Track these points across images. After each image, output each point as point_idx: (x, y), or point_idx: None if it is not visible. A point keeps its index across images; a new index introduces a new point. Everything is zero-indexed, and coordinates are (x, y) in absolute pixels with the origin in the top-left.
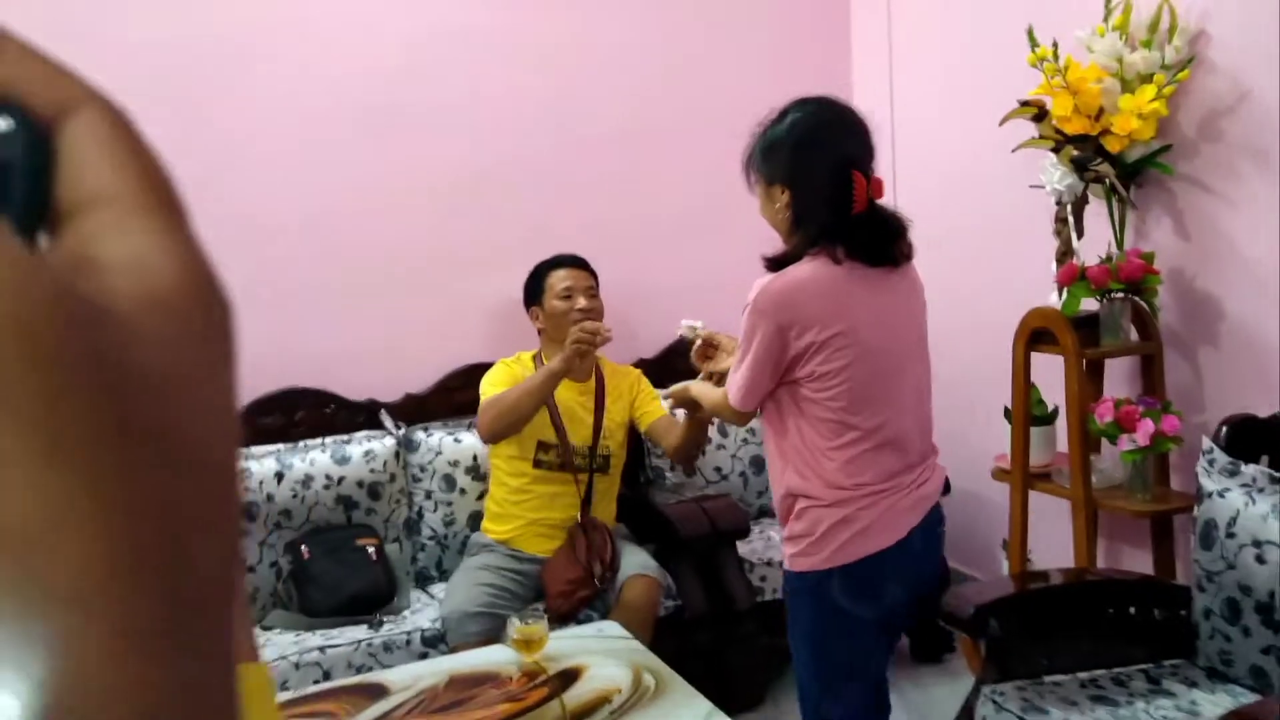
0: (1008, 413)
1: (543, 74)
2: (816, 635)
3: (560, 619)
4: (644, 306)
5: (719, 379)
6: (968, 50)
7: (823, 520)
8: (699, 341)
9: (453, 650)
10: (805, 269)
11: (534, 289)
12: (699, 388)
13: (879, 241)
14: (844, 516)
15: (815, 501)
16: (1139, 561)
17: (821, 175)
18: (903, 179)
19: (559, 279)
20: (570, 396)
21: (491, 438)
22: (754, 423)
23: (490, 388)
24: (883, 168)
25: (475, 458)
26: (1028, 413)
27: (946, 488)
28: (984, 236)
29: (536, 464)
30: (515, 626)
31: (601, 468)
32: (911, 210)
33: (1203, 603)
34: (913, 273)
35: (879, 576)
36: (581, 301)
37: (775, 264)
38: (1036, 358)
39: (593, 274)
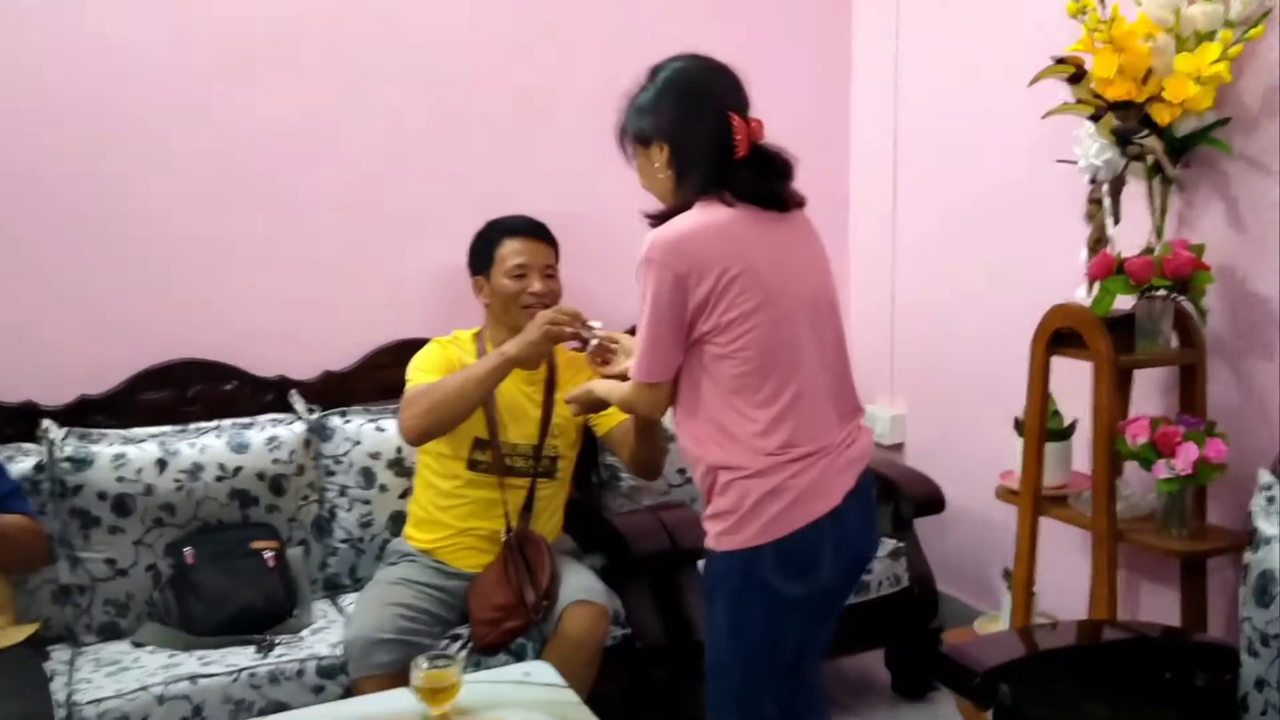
0: (1019, 425)
1: (513, 10)
2: (744, 621)
3: (485, 649)
4: (608, 285)
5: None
6: None
7: (750, 492)
8: (594, 343)
9: (353, 685)
10: (695, 215)
11: (481, 255)
12: (604, 386)
13: (766, 181)
14: (774, 486)
15: (739, 472)
16: (1161, 604)
17: (701, 123)
18: (905, 144)
19: (511, 252)
20: (514, 386)
21: (418, 437)
22: None
23: (419, 374)
24: (880, 127)
25: (400, 450)
26: (1043, 426)
27: (940, 502)
28: (999, 218)
29: (472, 465)
30: (421, 671)
31: (547, 471)
32: (912, 182)
33: (1255, 670)
34: (808, 223)
35: (814, 549)
36: (536, 284)
37: (661, 220)
38: (1056, 363)
39: (554, 247)
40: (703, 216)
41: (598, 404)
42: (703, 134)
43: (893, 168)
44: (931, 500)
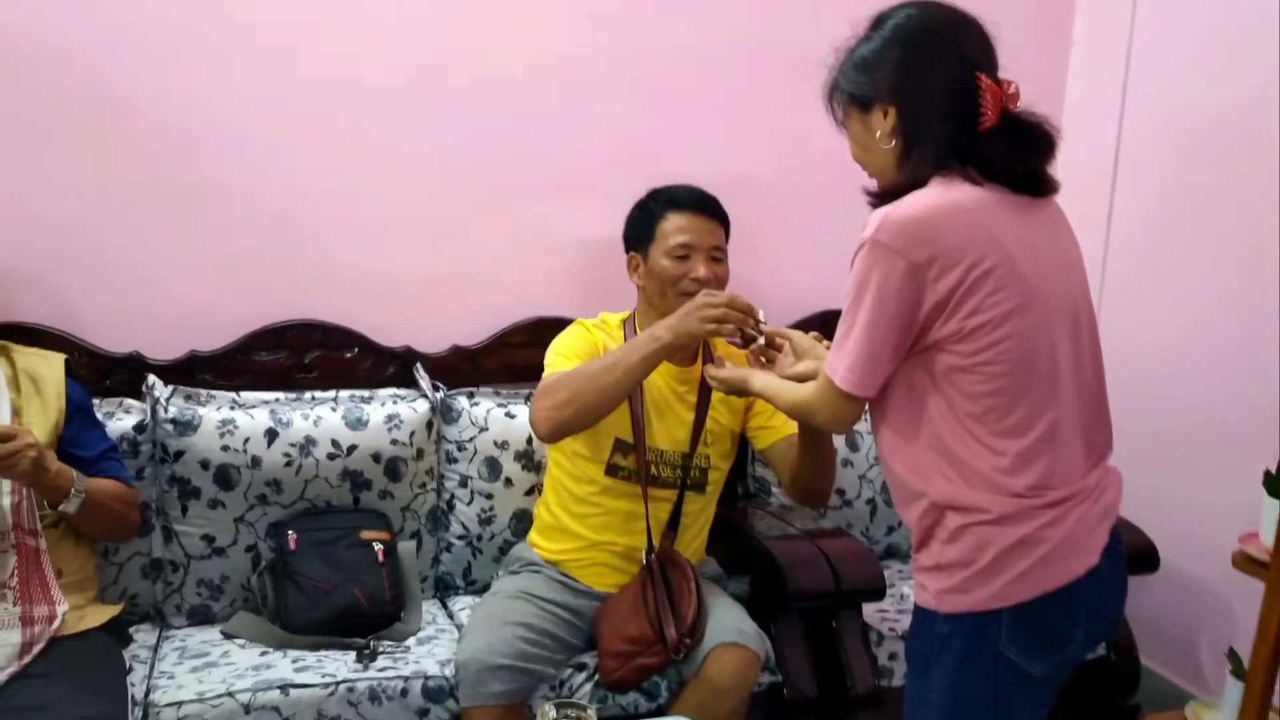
0: (1271, 480)
1: None
2: (966, 700)
3: (613, 686)
4: (771, 275)
5: None
6: None
7: (991, 542)
8: (760, 340)
9: (462, 714)
10: (935, 192)
11: (640, 229)
12: (766, 380)
13: (1022, 156)
14: (1022, 537)
15: (977, 516)
16: None
17: (938, 83)
18: (1131, 135)
19: (675, 228)
20: (664, 382)
21: (553, 431)
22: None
23: (559, 359)
24: (1101, 115)
25: (530, 440)
26: None
27: (1154, 558)
28: (1241, 225)
29: (611, 470)
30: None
31: (697, 484)
32: (1135, 181)
33: None
34: (1061, 212)
35: (1066, 617)
36: (700, 269)
37: (887, 198)
38: None
39: (724, 226)
40: (945, 194)
41: (745, 394)
42: (941, 96)
43: (1112, 164)
44: (1143, 556)
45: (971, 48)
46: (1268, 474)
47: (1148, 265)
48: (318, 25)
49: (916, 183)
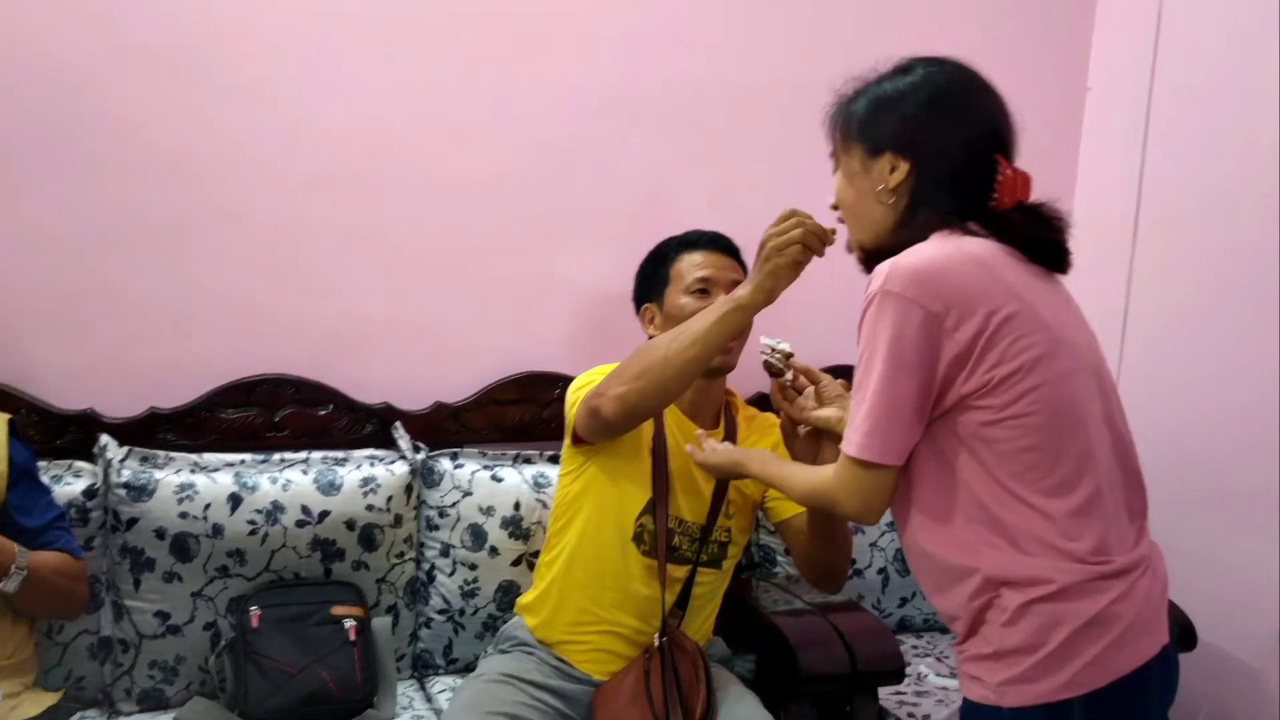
0: None
1: None
2: None
3: None
4: (784, 324)
5: (806, 441)
6: None
7: (1062, 620)
8: (789, 375)
9: None
10: (943, 242)
11: (653, 278)
12: (768, 461)
13: (1044, 228)
14: (1095, 614)
15: (1042, 589)
16: None
17: (958, 148)
18: (1152, 188)
19: (692, 265)
20: (684, 444)
21: (621, 411)
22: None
23: (596, 375)
24: (1129, 147)
25: (518, 505)
26: None
27: (1191, 637)
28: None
29: (638, 534)
30: None
31: (714, 559)
32: (1159, 233)
33: None
34: (1066, 290)
35: (1140, 704)
36: None
37: (880, 255)
38: None
39: (742, 265)
40: (954, 244)
41: (739, 477)
42: (961, 166)
43: (1134, 219)
44: (1180, 634)
45: (999, 122)
46: None
47: (1174, 324)
48: (304, 59)
49: (917, 238)
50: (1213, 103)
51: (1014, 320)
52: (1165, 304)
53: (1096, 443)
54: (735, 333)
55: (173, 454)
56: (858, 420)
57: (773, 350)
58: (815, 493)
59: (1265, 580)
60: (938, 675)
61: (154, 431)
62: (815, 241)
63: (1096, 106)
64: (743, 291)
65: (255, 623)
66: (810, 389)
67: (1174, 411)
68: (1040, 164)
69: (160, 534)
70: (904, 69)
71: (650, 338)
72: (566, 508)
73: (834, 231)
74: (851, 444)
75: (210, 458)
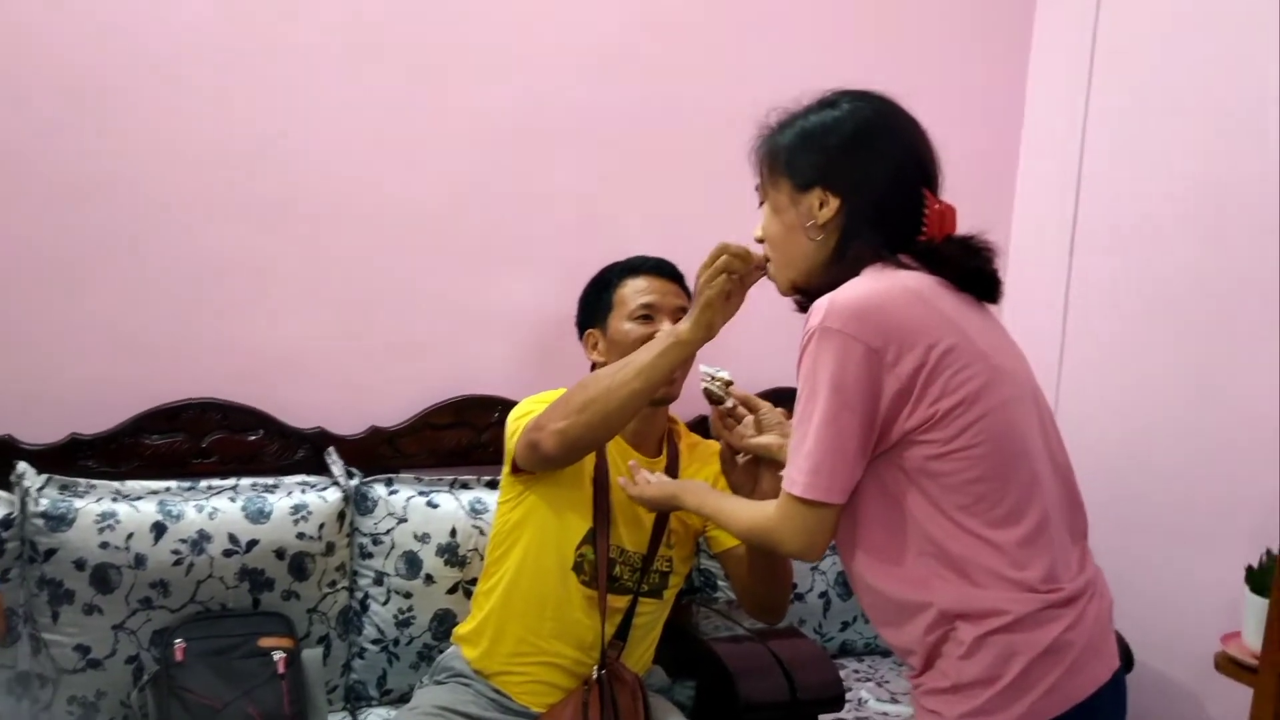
0: (1254, 575)
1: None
2: None
3: None
4: (724, 349)
5: (745, 470)
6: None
7: (1017, 651)
8: (729, 402)
9: None
10: (876, 276)
11: (596, 304)
12: (704, 495)
13: (975, 259)
14: (1050, 643)
15: (997, 620)
16: None
17: (887, 183)
18: (1088, 210)
19: (636, 291)
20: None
21: (562, 446)
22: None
23: (537, 404)
24: (1064, 172)
25: (454, 532)
26: None
27: (1128, 659)
28: (1231, 299)
29: (578, 563)
30: None
31: (655, 589)
32: (1094, 257)
33: None
34: (997, 319)
35: None
36: (666, 329)
37: (814, 294)
38: None
39: (685, 290)
40: (887, 278)
41: (673, 509)
42: (890, 200)
43: (1070, 232)
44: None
45: (924, 156)
46: (1250, 570)
47: (1110, 352)
48: (229, 73)
49: (848, 275)
50: (1146, 132)
51: (953, 352)
52: (1101, 327)
53: (1040, 468)
54: (677, 367)
55: (94, 482)
56: (800, 458)
57: (712, 378)
58: (756, 530)
59: (1201, 600)
60: (878, 700)
61: (75, 458)
62: (737, 264)
63: (1033, 135)
64: (683, 326)
65: (179, 656)
66: (750, 418)
67: (1110, 433)
68: (979, 190)
69: (80, 565)
70: (829, 102)
71: (593, 363)
72: (505, 536)
73: (764, 257)
74: (795, 483)
75: (133, 485)
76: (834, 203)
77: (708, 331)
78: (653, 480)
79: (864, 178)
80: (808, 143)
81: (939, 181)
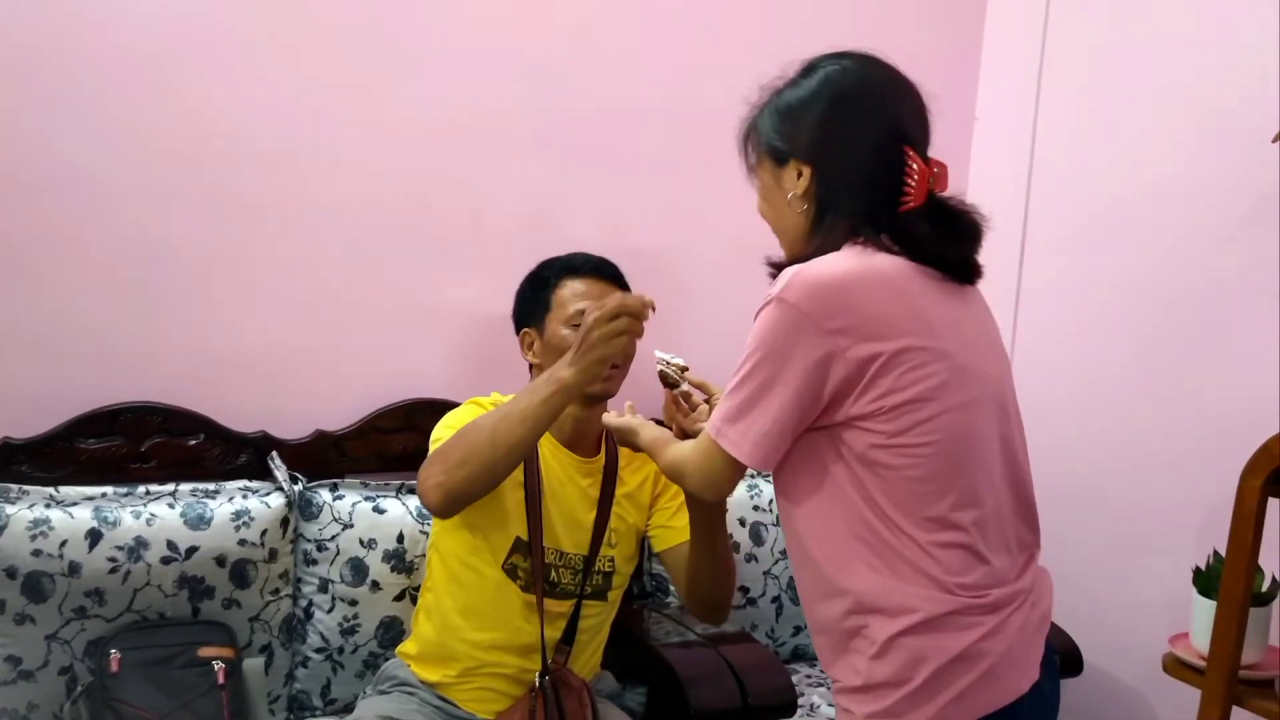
0: (1201, 577)
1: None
2: None
3: None
4: (675, 351)
5: None
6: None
7: (926, 656)
8: (684, 386)
9: None
10: (852, 255)
11: (533, 302)
12: (655, 435)
13: (950, 240)
14: (962, 650)
15: (908, 618)
16: None
17: (863, 149)
18: (1039, 200)
19: (574, 294)
20: (566, 475)
21: (445, 500)
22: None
23: (448, 431)
24: (1015, 172)
25: (401, 537)
26: (1249, 587)
27: (1077, 662)
28: (1167, 305)
29: (510, 571)
30: None
31: (598, 591)
32: (1046, 252)
33: None
34: (982, 299)
35: None
36: None
37: (790, 266)
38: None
39: (627, 292)
40: (863, 259)
41: (632, 446)
42: (864, 165)
43: (1020, 233)
44: (1066, 659)
45: (905, 116)
46: (1197, 571)
47: (1059, 354)
48: (170, 65)
49: (828, 249)
50: (1093, 134)
51: (913, 351)
52: (1051, 326)
53: (985, 477)
54: (560, 411)
55: (27, 487)
56: (729, 408)
57: (668, 363)
58: (674, 464)
59: (1149, 602)
60: (830, 705)
61: (7, 463)
62: (637, 327)
63: (984, 137)
64: (567, 373)
65: (115, 667)
66: (704, 407)
67: (1058, 435)
68: None
69: (11, 573)
70: (805, 72)
71: (530, 364)
72: (435, 550)
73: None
74: (715, 429)
75: (68, 491)
76: (807, 172)
77: (593, 381)
78: (627, 415)
79: (836, 144)
80: (780, 116)
81: (927, 139)
